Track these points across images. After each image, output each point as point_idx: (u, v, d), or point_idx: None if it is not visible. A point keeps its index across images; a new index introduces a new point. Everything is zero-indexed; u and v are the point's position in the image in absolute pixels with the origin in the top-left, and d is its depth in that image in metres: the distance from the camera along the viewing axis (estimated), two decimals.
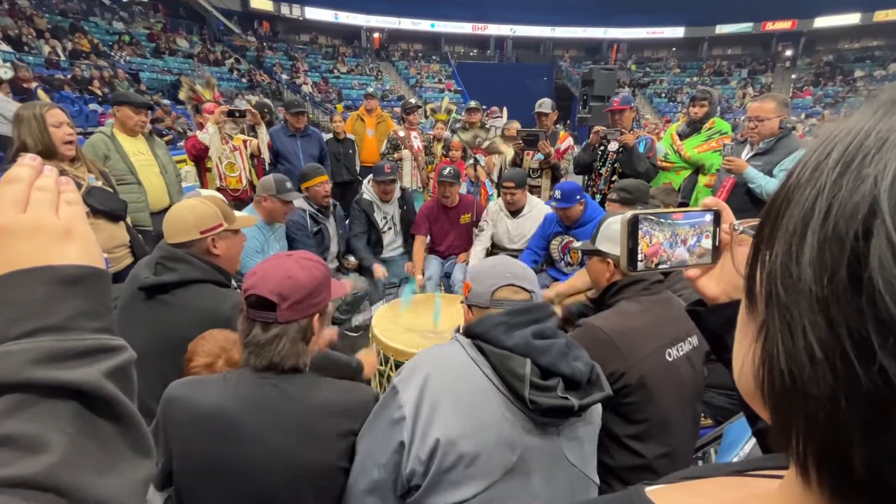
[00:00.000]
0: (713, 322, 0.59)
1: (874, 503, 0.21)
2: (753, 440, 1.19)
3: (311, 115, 6.42)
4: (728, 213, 0.57)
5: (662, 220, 0.55)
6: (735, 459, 1.30)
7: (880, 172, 0.20)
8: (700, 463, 1.65)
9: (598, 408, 1.12)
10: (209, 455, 0.99)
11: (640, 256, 0.55)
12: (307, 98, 16.86)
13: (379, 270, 3.03)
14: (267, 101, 8.70)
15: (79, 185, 2.15)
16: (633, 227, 0.54)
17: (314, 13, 23.60)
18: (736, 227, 0.54)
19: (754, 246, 0.27)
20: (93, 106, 9.07)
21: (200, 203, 1.60)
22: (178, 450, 1.02)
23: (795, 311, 0.22)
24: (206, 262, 1.53)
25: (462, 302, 1.16)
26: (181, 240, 1.53)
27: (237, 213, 1.71)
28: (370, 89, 6.21)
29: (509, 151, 3.55)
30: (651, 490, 0.39)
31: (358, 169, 4.81)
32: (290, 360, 1.02)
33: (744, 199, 2.57)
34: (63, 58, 11.54)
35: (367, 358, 1.57)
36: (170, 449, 1.03)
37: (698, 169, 3.41)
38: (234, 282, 1.67)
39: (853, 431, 0.20)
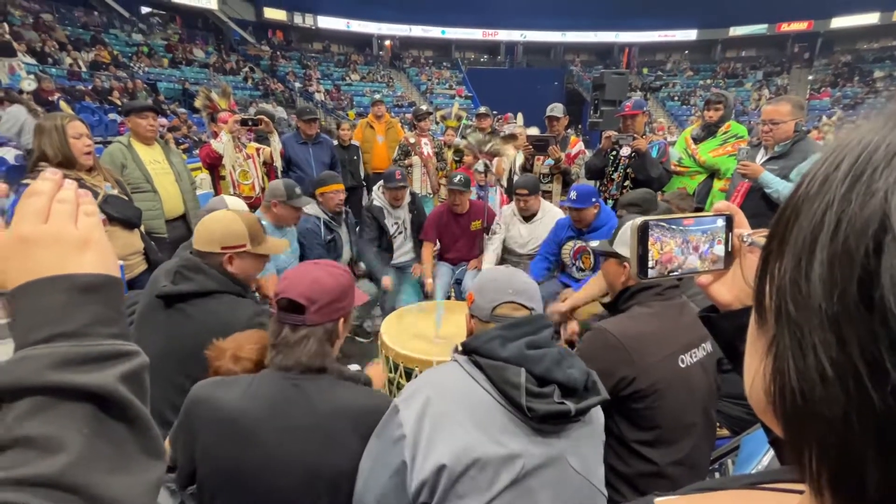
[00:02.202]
0: (726, 329, 0.58)
1: None
2: (772, 452, 1.16)
3: (323, 123, 6.52)
4: (741, 218, 0.56)
5: (674, 226, 0.54)
6: (753, 472, 1.27)
7: (890, 187, 0.20)
8: (717, 475, 1.62)
9: (601, 415, 1.12)
10: (229, 457, 1.01)
11: (650, 263, 0.54)
12: (320, 105, 17.07)
13: (387, 281, 3.04)
14: (269, 108, 8.81)
15: (96, 194, 2.20)
16: (643, 233, 0.54)
17: (326, 22, 23.92)
18: (745, 239, 0.53)
19: (763, 258, 0.27)
20: (112, 116, 9.28)
21: (234, 221, 1.60)
22: (201, 451, 1.03)
23: (806, 328, 0.22)
24: (224, 272, 1.55)
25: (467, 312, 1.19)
26: (203, 249, 1.57)
27: (270, 239, 1.70)
28: (377, 96, 6.27)
29: (509, 150, 3.49)
30: (661, 501, 0.39)
31: (363, 175, 4.87)
32: (316, 360, 1.07)
33: (759, 203, 2.52)
34: (84, 69, 11.86)
35: (374, 372, 1.57)
36: (192, 450, 1.04)
37: (713, 173, 3.36)
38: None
39: (866, 453, 0.20)
